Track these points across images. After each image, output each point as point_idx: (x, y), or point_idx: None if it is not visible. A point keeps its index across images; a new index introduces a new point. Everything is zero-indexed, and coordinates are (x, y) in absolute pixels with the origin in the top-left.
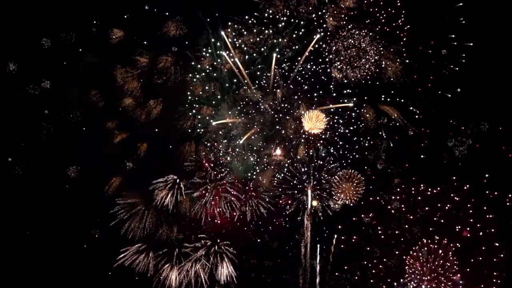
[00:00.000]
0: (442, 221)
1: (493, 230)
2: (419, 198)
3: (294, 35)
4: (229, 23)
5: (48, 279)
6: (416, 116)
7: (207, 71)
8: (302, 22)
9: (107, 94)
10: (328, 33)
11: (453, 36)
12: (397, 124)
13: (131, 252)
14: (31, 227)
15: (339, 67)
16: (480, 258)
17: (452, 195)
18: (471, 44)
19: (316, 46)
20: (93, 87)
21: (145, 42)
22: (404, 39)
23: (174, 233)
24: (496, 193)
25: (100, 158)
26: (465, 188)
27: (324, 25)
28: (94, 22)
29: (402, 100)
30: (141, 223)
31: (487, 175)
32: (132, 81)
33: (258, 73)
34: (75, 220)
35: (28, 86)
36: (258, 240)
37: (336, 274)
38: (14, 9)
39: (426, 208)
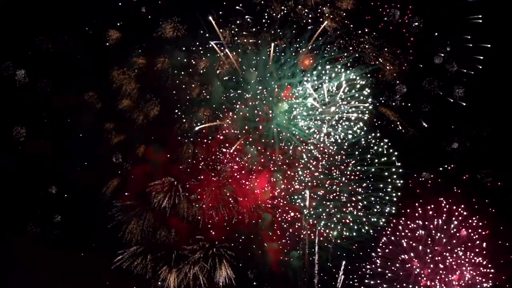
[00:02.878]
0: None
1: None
2: (418, 191)
3: (291, 36)
4: (227, 25)
5: (45, 280)
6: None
7: (204, 72)
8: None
9: (105, 95)
10: (329, 33)
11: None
12: (399, 128)
13: (128, 254)
14: (29, 229)
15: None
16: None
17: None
18: (489, 45)
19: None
20: (90, 88)
21: (142, 44)
22: (406, 39)
23: (171, 236)
24: (499, 183)
25: (98, 160)
26: (464, 178)
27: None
28: (87, 26)
29: (402, 102)
30: (138, 225)
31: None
32: (130, 82)
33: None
34: (73, 221)
35: (26, 87)
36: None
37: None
38: (10, 10)
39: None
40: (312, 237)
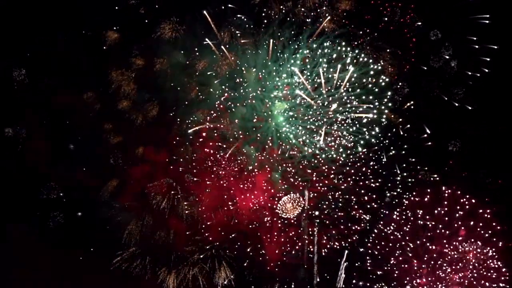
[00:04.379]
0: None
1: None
2: (417, 189)
3: (290, 36)
4: (226, 25)
5: (45, 280)
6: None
7: (203, 72)
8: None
9: (104, 96)
10: (327, 34)
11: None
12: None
13: (127, 255)
14: (29, 229)
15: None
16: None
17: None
18: (496, 47)
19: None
20: (90, 89)
21: (141, 45)
22: (407, 40)
23: (170, 237)
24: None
25: (97, 160)
26: (463, 175)
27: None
28: (87, 27)
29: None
30: (137, 226)
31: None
32: (128, 83)
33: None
34: (72, 221)
35: (26, 87)
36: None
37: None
38: (10, 10)
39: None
40: (311, 237)
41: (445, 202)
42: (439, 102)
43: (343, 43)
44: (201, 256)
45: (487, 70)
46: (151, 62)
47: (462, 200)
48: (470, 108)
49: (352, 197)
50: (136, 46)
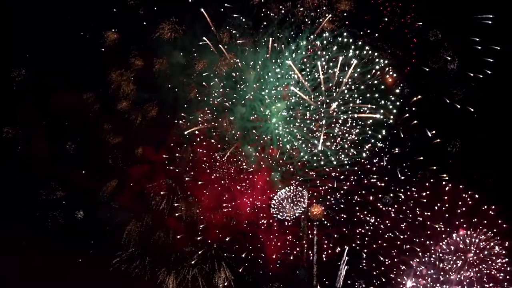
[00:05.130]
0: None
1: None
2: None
3: (289, 35)
4: (225, 26)
5: (45, 280)
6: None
7: (202, 73)
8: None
9: (102, 96)
10: (327, 34)
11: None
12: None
13: (126, 256)
14: (29, 229)
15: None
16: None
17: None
18: (498, 48)
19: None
20: (88, 89)
21: (141, 45)
22: (407, 40)
23: (170, 237)
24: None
25: (97, 161)
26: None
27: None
28: (86, 28)
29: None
30: (137, 226)
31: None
32: (128, 84)
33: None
34: (72, 222)
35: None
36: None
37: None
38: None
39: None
40: (311, 238)
41: (445, 197)
42: (439, 103)
43: (344, 34)
44: (201, 257)
45: (489, 72)
46: (151, 62)
47: (464, 196)
48: (472, 109)
49: (355, 197)
50: (135, 47)
